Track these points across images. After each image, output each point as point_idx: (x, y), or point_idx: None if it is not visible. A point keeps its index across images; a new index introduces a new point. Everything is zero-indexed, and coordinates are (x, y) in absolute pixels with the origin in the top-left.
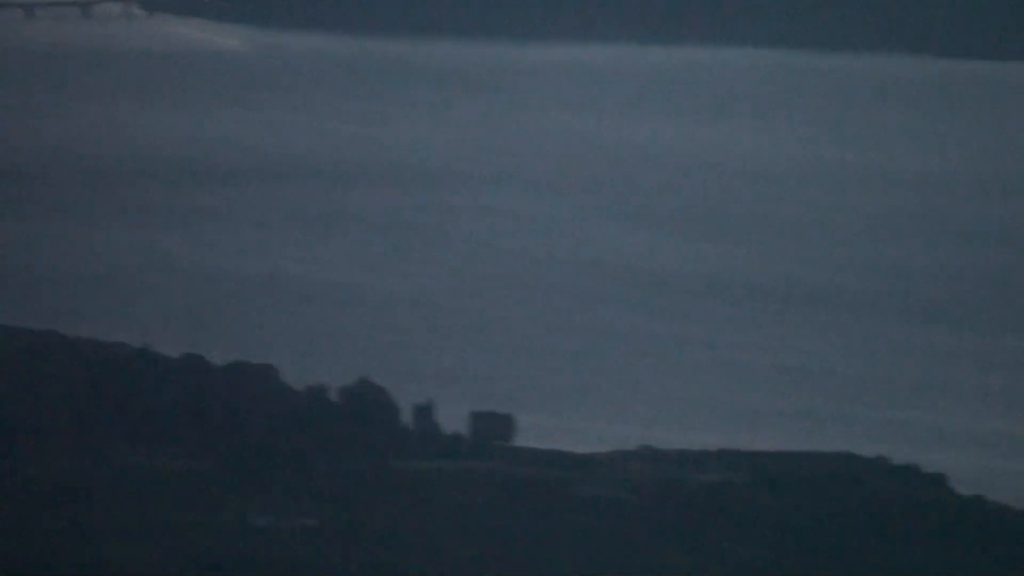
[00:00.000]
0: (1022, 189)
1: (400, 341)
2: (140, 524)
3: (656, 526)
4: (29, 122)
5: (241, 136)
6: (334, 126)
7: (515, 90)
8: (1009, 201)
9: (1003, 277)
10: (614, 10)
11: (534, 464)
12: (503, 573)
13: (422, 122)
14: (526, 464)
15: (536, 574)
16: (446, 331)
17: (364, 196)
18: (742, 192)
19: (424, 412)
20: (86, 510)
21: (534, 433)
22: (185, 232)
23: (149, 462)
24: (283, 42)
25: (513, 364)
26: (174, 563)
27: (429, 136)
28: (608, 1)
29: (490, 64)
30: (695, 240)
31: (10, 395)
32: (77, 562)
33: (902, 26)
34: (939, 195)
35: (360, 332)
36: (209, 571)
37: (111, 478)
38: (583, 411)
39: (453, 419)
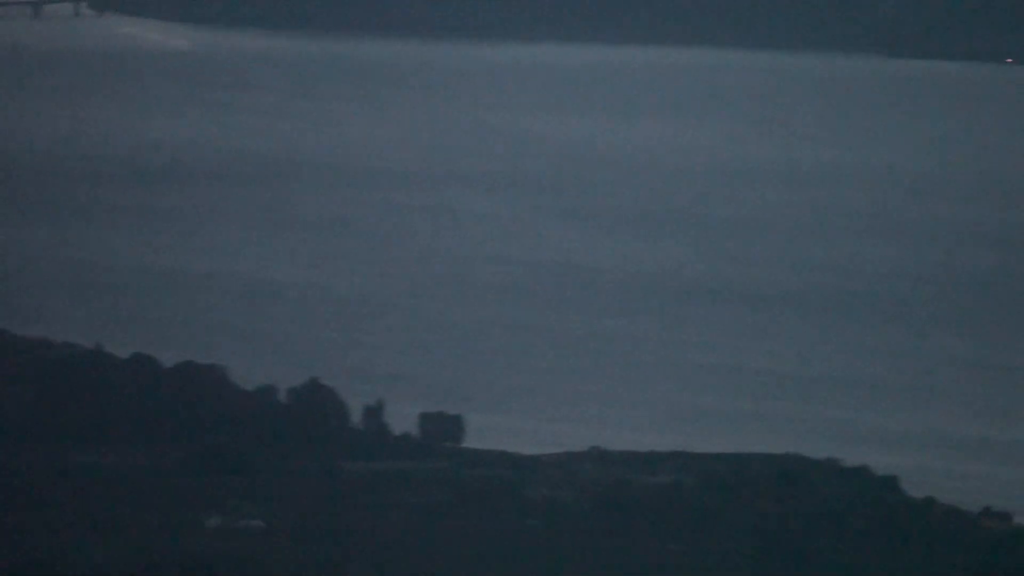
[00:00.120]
0: (979, 189)
1: (349, 341)
2: (89, 525)
3: (606, 528)
4: None
5: (189, 135)
6: (282, 125)
7: (463, 89)
8: (965, 201)
9: (956, 276)
10: (567, 10)
11: (484, 465)
12: (453, 575)
13: (370, 121)
14: (476, 465)
15: None
16: (395, 331)
17: (312, 196)
18: (692, 191)
19: (374, 413)
20: (34, 510)
21: (484, 434)
22: (133, 231)
23: (98, 463)
24: (232, 41)
25: (462, 364)
26: (123, 563)
27: (377, 135)
28: (560, 1)
29: (438, 63)
30: (645, 239)
31: None
32: (25, 562)
33: (862, 26)
34: (893, 193)
35: (309, 332)
36: (158, 571)
37: (60, 479)
38: (532, 412)
39: (403, 420)
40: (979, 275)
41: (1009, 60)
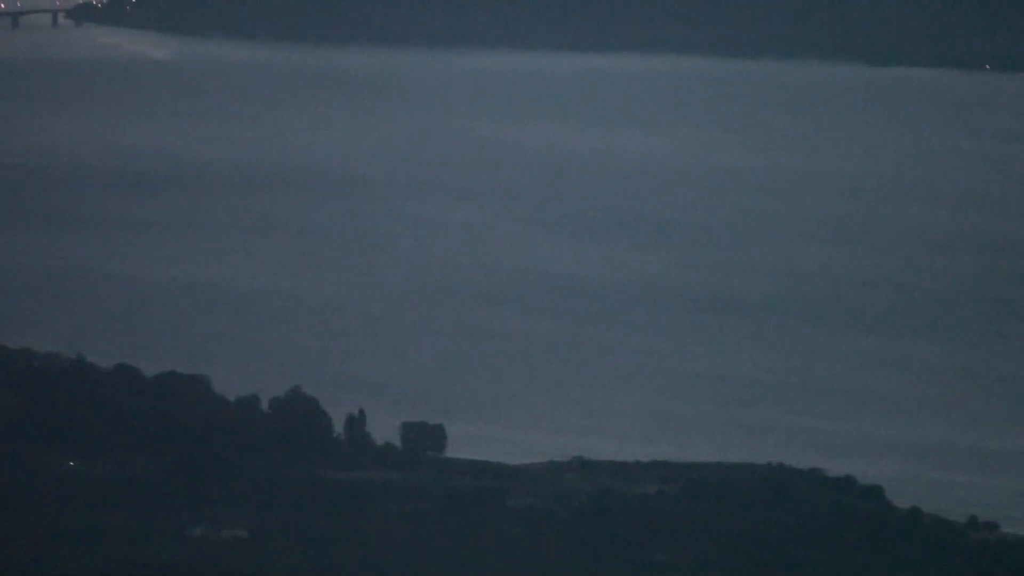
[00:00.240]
0: (960, 196)
1: (331, 351)
2: (72, 533)
3: (590, 537)
4: None
5: (166, 144)
6: (257, 134)
7: (449, 98)
8: (947, 207)
9: (939, 284)
10: (539, 18)
11: (466, 475)
12: None
13: (344, 130)
14: (458, 475)
15: None
16: (377, 341)
17: (287, 204)
18: (670, 199)
19: (356, 422)
20: (17, 519)
21: (466, 443)
22: (114, 241)
23: (81, 472)
24: (212, 51)
25: (445, 374)
26: (106, 572)
27: (352, 144)
28: (532, 9)
29: (424, 72)
30: (624, 248)
31: None
32: (6, 570)
33: (840, 34)
34: (874, 201)
35: (291, 342)
36: None
37: (43, 488)
38: (514, 421)
39: (385, 429)
40: (962, 282)
41: (987, 67)
